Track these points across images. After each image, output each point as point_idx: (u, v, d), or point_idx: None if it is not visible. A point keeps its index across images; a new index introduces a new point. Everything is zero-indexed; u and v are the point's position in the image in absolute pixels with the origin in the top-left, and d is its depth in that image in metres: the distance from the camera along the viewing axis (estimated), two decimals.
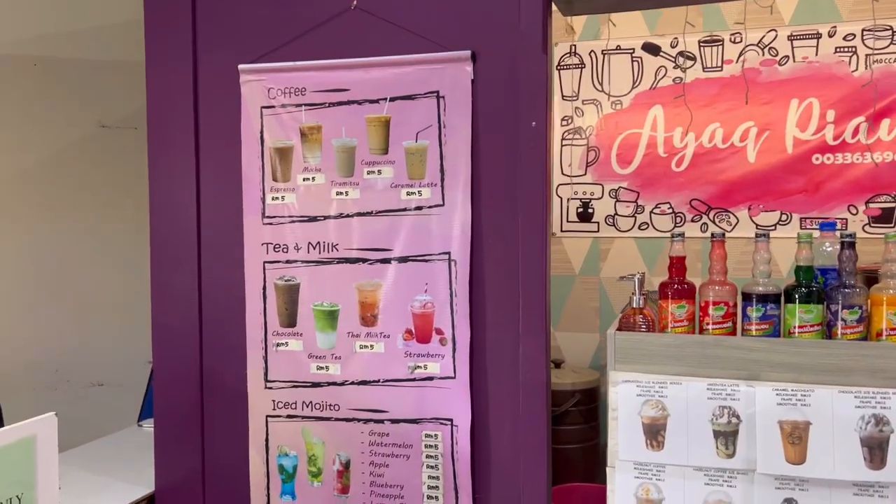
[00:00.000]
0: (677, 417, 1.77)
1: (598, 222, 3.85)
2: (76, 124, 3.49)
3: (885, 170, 3.43)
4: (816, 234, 1.90)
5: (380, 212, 2.13)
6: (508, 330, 2.05)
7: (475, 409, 2.08)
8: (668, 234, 3.52)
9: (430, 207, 2.09)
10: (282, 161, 2.19)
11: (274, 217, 2.20)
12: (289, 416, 2.20)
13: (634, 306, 1.88)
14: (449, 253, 2.08)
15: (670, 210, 3.72)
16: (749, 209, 3.61)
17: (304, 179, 2.18)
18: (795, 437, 1.68)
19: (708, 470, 1.75)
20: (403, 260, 2.12)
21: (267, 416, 2.21)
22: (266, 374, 2.21)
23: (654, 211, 3.74)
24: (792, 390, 1.69)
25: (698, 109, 3.64)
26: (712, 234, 1.85)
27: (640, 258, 3.76)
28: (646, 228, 3.76)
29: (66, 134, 3.48)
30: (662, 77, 3.70)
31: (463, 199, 2.06)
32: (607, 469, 1.84)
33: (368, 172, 2.14)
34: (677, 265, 1.86)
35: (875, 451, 1.65)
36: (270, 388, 2.21)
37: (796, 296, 1.75)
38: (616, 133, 3.78)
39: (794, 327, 1.75)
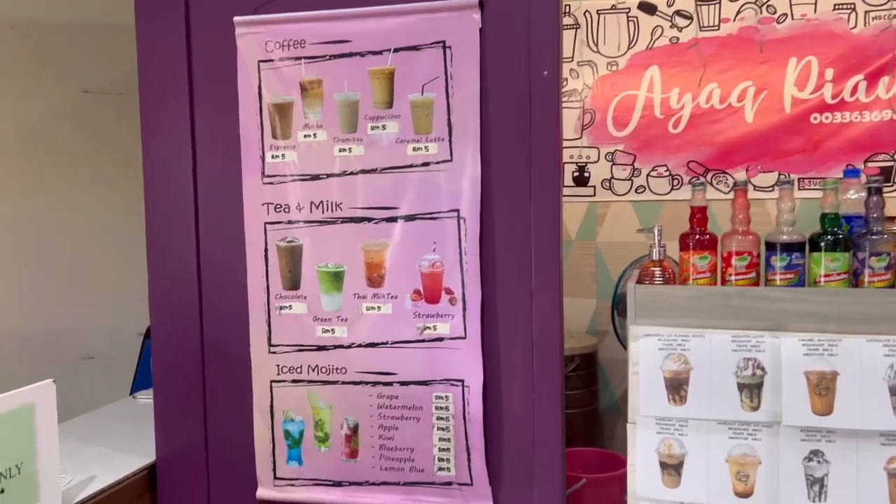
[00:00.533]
0: (700, 371, 1.72)
1: (594, 186, 3.80)
2: (57, 91, 3.37)
3: (884, 128, 3.40)
4: None
5: (385, 168, 2.06)
6: (521, 288, 1.99)
7: (487, 369, 2.03)
8: (665, 197, 3.48)
9: (437, 163, 2.02)
10: (281, 118, 2.11)
11: (274, 176, 2.12)
12: (294, 381, 2.13)
13: (654, 258, 1.83)
14: (458, 210, 2.01)
15: (667, 173, 3.68)
16: (747, 170, 3.58)
17: (305, 136, 2.10)
18: (822, 388, 1.65)
19: (732, 423, 1.72)
20: (410, 218, 2.05)
21: (271, 382, 2.14)
22: (269, 338, 2.14)
23: (651, 174, 3.70)
24: (818, 340, 1.65)
25: (695, 70, 3.59)
26: (735, 183, 1.81)
27: (638, 222, 3.72)
28: (643, 192, 3.72)
29: (47, 101, 3.36)
30: (659, 37, 3.64)
31: (472, 154, 1.99)
32: (628, 425, 1.80)
33: (372, 128, 2.06)
34: (699, 215, 1.81)
35: None
36: (274, 352, 2.14)
37: (822, 244, 1.71)
38: (612, 95, 3.73)
39: (820, 276, 1.71)
